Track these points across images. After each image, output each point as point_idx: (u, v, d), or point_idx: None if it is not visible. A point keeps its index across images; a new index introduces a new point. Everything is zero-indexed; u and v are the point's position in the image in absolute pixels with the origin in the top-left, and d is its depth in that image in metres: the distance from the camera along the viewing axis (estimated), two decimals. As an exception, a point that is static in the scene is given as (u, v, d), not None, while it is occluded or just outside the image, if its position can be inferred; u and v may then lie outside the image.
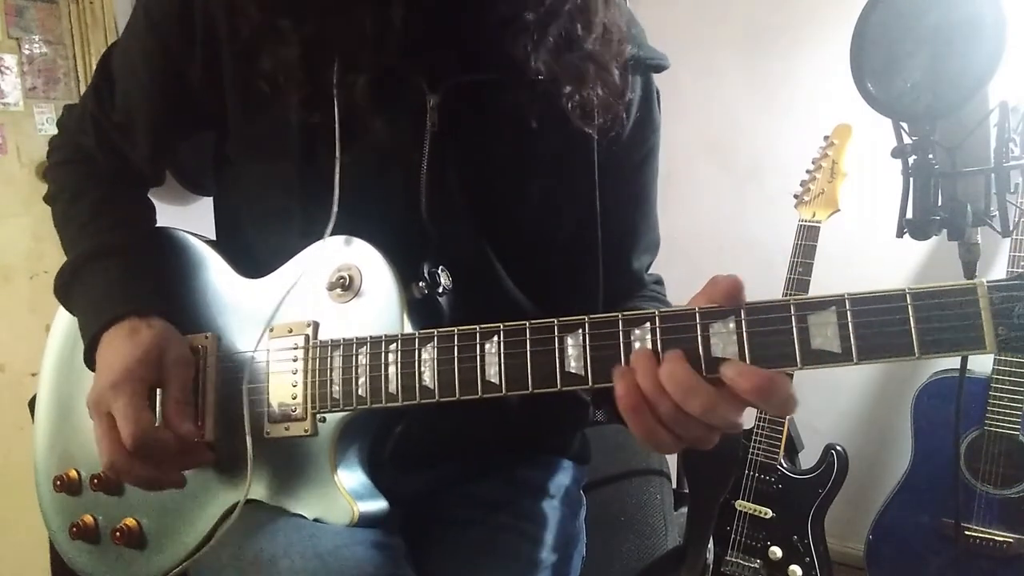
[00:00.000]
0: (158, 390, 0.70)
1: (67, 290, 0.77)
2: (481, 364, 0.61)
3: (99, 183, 0.82)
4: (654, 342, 0.56)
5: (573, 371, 0.58)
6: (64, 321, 0.85)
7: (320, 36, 0.67)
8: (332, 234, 0.69)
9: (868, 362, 0.51)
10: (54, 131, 0.89)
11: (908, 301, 0.50)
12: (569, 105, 0.70)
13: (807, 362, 0.52)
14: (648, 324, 0.56)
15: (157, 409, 0.70)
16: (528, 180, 0.75)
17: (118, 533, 0.75)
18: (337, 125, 0.67)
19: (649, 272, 0.91)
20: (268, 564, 0.63)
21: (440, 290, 0.69)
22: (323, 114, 0.68)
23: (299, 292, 0.71)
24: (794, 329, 0.52)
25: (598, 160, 0.76)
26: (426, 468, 0.80)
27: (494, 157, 0.73)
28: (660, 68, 0.82)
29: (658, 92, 0.84)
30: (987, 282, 0.49)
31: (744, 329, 0.53)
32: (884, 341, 0.50)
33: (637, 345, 0.57)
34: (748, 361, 0.53)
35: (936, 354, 0.50)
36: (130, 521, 0.75)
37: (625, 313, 0.58)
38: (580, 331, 0.58)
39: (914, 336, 0.50)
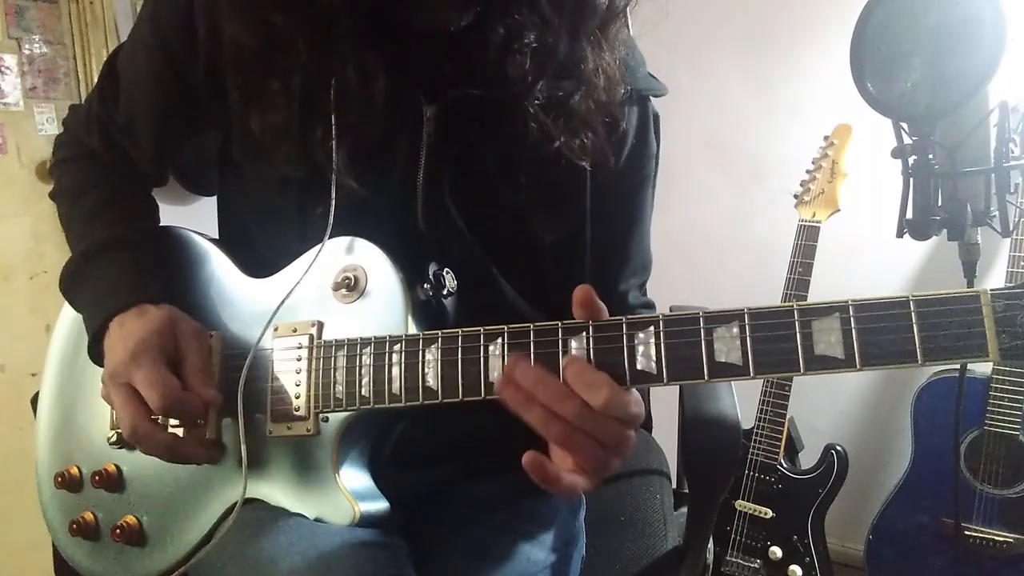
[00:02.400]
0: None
1: (73, 285, 0.77)
2: (485, 366, 0.61)
3: (104, 180, 0.83)
4: (657, 346, 0.56)
5: None
6: (67, 319, 0.85)
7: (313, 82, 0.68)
8: (333, 238, 0.70)
9: (871, 368, 0.51)
10: (54, 131, 0.90)
11: (912, 308, 0.50)
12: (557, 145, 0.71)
13: (810, 368, 0.52)
14: (652, 328, 0.56)
15: None
16: (522, 194, 0.75)
17: (118, 530, 0.75)
18: (334, 135, 0.68)
19: (641, 293, 0.92)
20: (268, 564, 0.63)
21: (445, 292, 0.70)
22: (322, 123, 0.68)
23: (304, 292, 0.71)
24: (797, 335, 0.52)
25: (591, 182, 0.77)
26: (426, 468, 0.80)
27: (489, 170, 0.74)
28: (657, 96, 0.82)
29: (656, 117, 0.83)
30: (991, 290, 0.49)
31: (748, 334, 0.54)
32: (887, 348, 0.50)
33: (641, 348, 0.57)
34: (751, 367, 0.53)
35: (939, 361, 0.50)
36: (130, 518, 0.75)
37: (629, 317, 0.58)
38: (584, 334, 0.58)
39: (917, 343, 0.50)
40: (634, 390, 0.59)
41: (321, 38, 0.66)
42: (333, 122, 0.67)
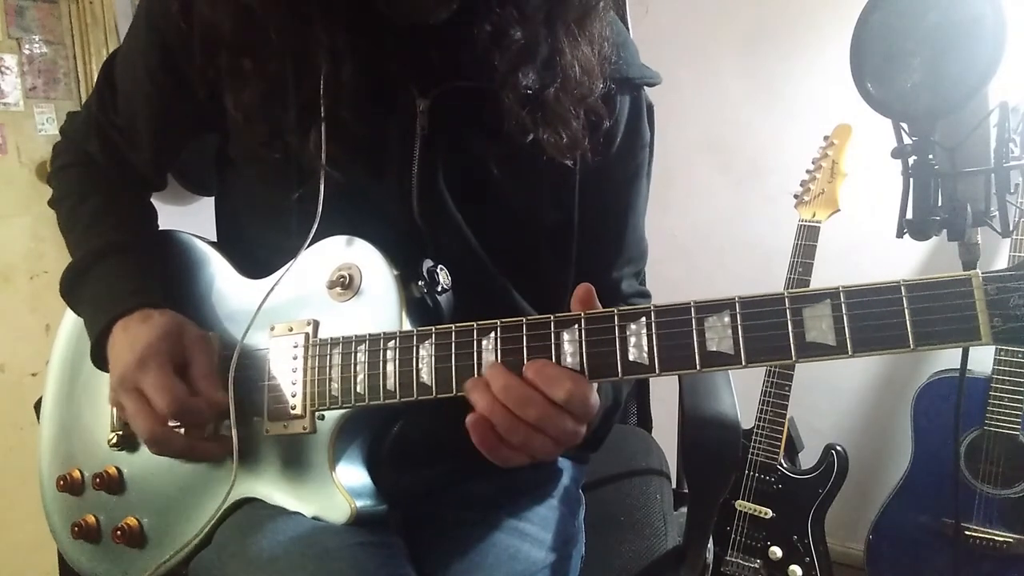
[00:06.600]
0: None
1: (73, 289, 0.77)
2: (478, 360, 0.61)
3: (103, 186, 0.83)
4: (649, 337, 0.56)
5: (569, 366, 0.58)
6: (70, 322, 0.86)
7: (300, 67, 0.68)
8: (328, 235, 0.70)
9: (863, 355, 0.51)
10: (54, 131, 0.90)
11: (903, 293, 0.50)
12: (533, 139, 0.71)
13: (802, 355, 0.52)
14: (644, 319, 0.56)
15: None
16: (514, 184, 0.75)
17: (119, 532, 0.75)
18: (324, 128, 0.68)
19: (637, 282, 0.91)
20: (268, 563, 0.63)
21: (439, 289, 0.70)
22: (305, 112, 0.68)
23: (299, 291, 0.71)
24: (789, 322, 0.52)
25: (583, 172, 0.77)
26: (424, 468, 0.80)
27: (481, 161, 0.74)
28: (650, 85, 0.82)
29: (650, 107, 0.84)
30: (982, 273, 0.48)
31: (739, 323, 0.54)
32: (879, 333, 0.50)
33: (633, 340, 0.57)
34: (743, 355, 0.53)
35: (931, 346, 0.49)
36: (131, 520, 0.75)
37: (621, 308, 0.58)
38: (576, 327, 0.58)
39: (909, 328, 0.49)
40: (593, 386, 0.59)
41: (296, 23, 0.66)
42: (322, 112, 0.67)
